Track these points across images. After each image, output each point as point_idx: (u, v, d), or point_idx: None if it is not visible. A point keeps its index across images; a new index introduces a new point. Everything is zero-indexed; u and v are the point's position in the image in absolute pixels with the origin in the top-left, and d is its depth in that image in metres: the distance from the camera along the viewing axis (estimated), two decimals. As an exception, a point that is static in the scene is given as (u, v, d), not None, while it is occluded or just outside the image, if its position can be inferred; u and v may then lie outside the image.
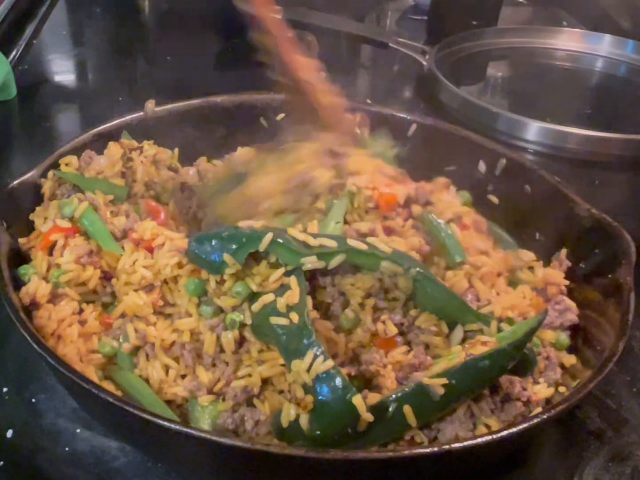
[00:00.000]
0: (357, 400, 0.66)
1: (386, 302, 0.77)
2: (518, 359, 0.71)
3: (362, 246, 0.75)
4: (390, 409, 0.66)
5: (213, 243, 0.75)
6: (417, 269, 0.75)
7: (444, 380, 0.66)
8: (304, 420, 0.67)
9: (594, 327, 0.81)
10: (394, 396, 0.67)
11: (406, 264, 0.75)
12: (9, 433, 0.77)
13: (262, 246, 0.73)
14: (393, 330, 0.75)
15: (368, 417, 0.66)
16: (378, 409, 0.67)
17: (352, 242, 0.75)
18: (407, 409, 0.66)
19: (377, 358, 0.74)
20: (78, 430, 0.78)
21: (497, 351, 0.69)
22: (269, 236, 0.73)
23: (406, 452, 0.62)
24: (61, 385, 0.80)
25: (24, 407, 0.81)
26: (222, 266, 0.74)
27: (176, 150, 1.04)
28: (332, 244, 0.74)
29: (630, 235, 0.84)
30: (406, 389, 0.68)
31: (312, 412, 0.68)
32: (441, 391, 0.66)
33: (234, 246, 0.74)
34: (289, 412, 0.68)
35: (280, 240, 0.73)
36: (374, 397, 0.69)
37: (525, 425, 0.64)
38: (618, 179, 1.34)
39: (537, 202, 0.98)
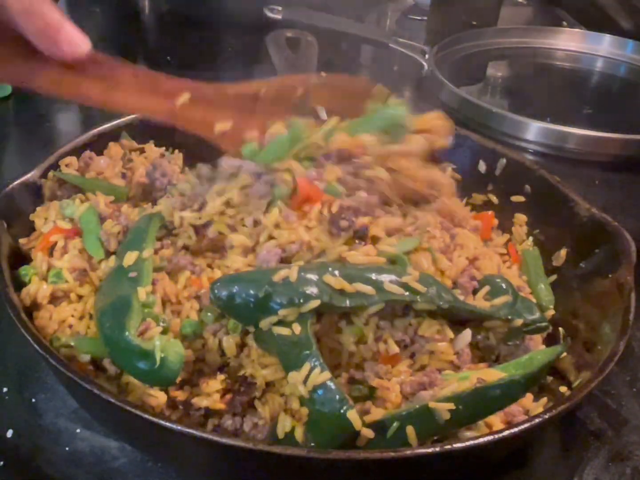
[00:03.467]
0: (352, 414, 0.65)
1: (388, 321, 0.75)
2: (530, 390, 0.71)
3: (399, 290, 0.72)
4: (392, 427, 0.65)
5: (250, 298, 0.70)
6: (449, 299, 0.74)
7: (451, 406, 0.65)
8: (298, 432, 0.67)
9: (594, 327, 0.81)
10: (397, 415, 0.66)
11: (439, 299, 0.73)
12: (9, 433, 0.77)
13: (307, 309, 0.69)
14: (394, 349, 0.73)
15: (368, 433, 0.65)
16: (379, 426, 0.66)
17: (389, 287, 0.72)
18: (409, 430, 0.65)
19: (383, 369, 0.73)
20: (78, 430, 0.78)
21: (510, 382, 0.68)
22: (315, 302, 0.69)
23: (408, 452, 0.61)
24: (61, 385, 0.80)
25: (24, 407, 0.81)
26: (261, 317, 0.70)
27: (176, 151, 1.04)
28: (369, 290, 0.71)
29: (630, 235, 0.84)
30: (411, 409, 0.66)
31: (307, 424, 0.67)
32: (447, 416, 0.65)
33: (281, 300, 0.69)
34: (285, 424, 0.68)
35: (326, 300, 0.70)
36: (376, 413, 0.68)
37: (525, 425, 0.64)
38: (618, 179, 1.34)
39: (537, 202, 0.98)
